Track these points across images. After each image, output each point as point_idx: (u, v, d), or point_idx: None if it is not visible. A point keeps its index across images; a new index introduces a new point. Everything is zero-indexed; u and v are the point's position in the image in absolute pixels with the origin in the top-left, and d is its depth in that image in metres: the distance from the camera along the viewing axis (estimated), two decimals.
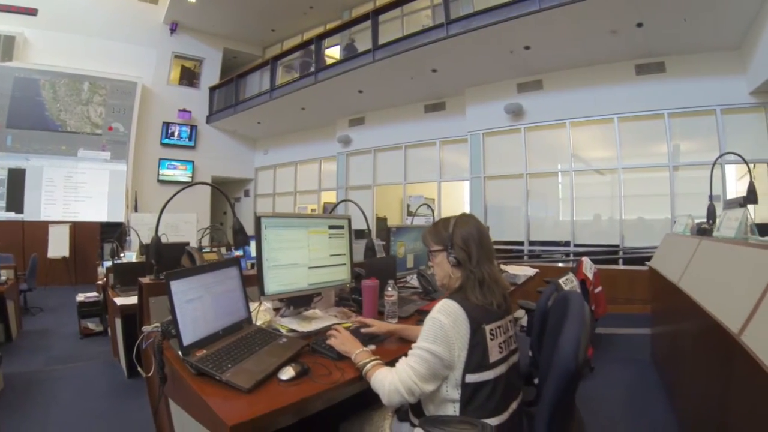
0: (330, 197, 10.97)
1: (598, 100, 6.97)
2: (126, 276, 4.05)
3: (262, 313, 1.81)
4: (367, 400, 1.41)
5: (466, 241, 1.36)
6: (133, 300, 3.30)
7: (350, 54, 8.33)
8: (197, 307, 1.43)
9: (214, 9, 10.50)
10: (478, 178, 8.02)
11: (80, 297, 5.43)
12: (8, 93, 9.87)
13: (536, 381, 1.45)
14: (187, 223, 7.58)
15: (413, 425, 1.31)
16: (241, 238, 2.33)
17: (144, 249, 4.51)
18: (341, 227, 2.14)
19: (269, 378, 1.22)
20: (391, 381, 1.21)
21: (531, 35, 6.36)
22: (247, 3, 10.11)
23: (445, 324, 1.22)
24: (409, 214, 8.42)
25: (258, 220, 1.71)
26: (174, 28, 11.26)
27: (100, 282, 5.60)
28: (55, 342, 5.12)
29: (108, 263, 5.73)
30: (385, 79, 8.14)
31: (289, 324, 1.75)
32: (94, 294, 5.48)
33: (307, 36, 9.96)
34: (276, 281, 1.76)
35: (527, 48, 6.71)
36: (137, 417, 2.92)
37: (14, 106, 9.90)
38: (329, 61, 8.87)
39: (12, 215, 9.75)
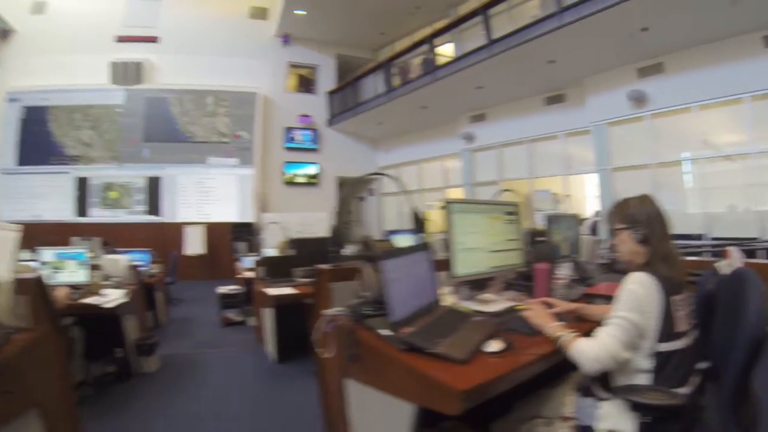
0: (456, 195, 11.29)
1: (725, 79, 6.58)
2: (276, 268, 4.40)
3: (446, 296, 1.94)
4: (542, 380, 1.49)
5: (650, 219, 1.44)
6: (284, 290, 3.82)
7: (464, 52, 8.68)
8: (401, 287, 1.51)
9: (322, 18, 11.23)
10: (605, 170, 8.07)
11: (222, 289, 6.00)
12: (143, 112, 11.27)
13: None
14: (319, 221, 8.28)
15: (598, 398, 1.37)
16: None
17: (292, 243, 4.95)
18: (514, 213, 2.28)
19: (476, 352, 1.31)
20: (594, 349, 1.28)
21: (648, 15, 6.09)
22: (353, 9, 10.71)
23: (640, 294, 1.32)
24: (537, 209, 8.75)
25: (447, 205, 1.89)
26: (286, 40, 12.17)
27: (239, 275, 6.25)
28: (199, 329, 5.71)
29: (248, 259, 6.44)
30: (503, 73, 8.38)
31: (471, 306, 1.85)
32: (236, 286, 6.10)
33: (417, 37, 10.38)
34: (463, 264, 1.88)
35: (645, 30, 6.47)
36: (286, 399, 3.25)
37: (149, 122, 11.29)
38: (444, 60, 9.24)
39: (152, 218, 11.18)
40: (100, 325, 3.29)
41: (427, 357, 1.25)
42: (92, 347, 3.22)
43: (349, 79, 12.25)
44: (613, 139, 8.05)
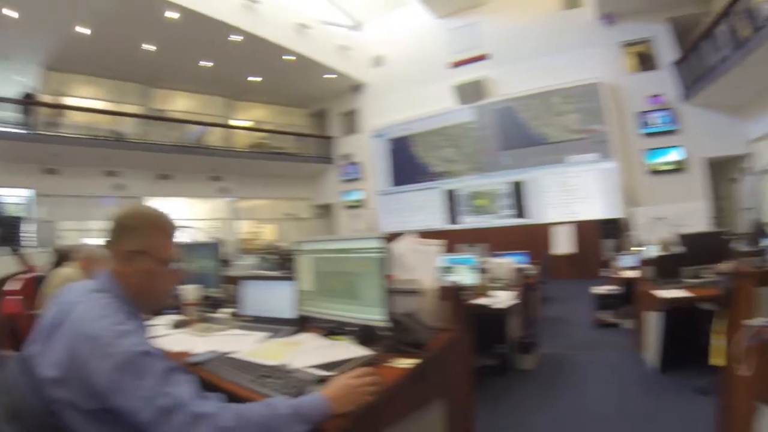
0: None
1: None
2: (664, 268, 3.98)
3: None
4: None
5: None
6: (676, 293, 3.45)
7: None
8: None
9: None
10: None
11: (598, 289, 5.84)
12: (495, 123, 12.20)
13: None
14: (693, 212, 7.95)
15: None
16: None
17: (681, 240, 4.31)
18: None
19: None
20: None
21: None
22: None
23: None
24: None
25: None
26: (610, 20, 11.65)
27: (616, 275, 6.00)
28: (571, 329, 5.65)
29: (627, 257, 6.25)
30: None
31: None
32: (613, 286, 5.87)
33: None
34: None
35: None
36: (668, 413, 2.94)
37: (503, 132, 12.11)
38: None
39: (520, 221, 11.82)
40: (486, 323, 3.41)
41: None
42: (477, 342, 3.28)
43: (690, 43, 10.72)
44: None
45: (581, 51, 11.74)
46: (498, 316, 3.57)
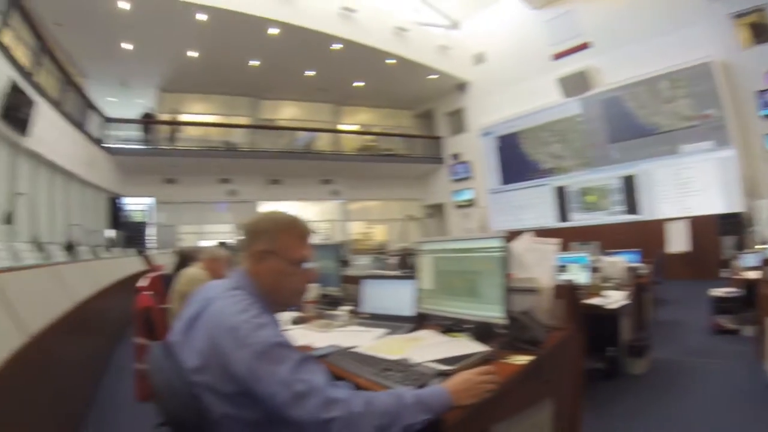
0: None
1: None
2: None
3: None
4: None
5: None
6: None
7: None
8: None
9: None
10: None
11: (716, 291, 5.53)
12: (602, 115, 12.67)
13: None
14: None
15: None
16: None
17: None
18: None
19: None
20: None
21: None
22: None
23: None
24: None
25: None
26: None
27: (737, 276, 5.72)
28: (686, 334, 5.43)
29: (751, 256, 5.97)
30: None
31: None
32: (733, 288, 5.51)
33: None
34: None
35: None
36: None
37: (610, 124, 12.44)
38: None
39: (631, 217, 11.94)
40: (597, 324, 3.35)
41: None
42: (588, 343, 3.27)
43: None
44: None
45: (687, 29, 11.19)
46: (610, 317, 3.57)
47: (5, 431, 1.68)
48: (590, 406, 2.84)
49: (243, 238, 1.38)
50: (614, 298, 3.62)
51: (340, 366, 1.54)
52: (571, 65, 12.87)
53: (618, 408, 3.23)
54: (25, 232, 7.01)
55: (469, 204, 16.55)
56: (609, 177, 12.28)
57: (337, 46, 13.10)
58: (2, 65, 6.95)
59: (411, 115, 19.03)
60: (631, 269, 4.65)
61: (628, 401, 3.34)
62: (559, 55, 13.23)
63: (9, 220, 3.82)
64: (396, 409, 1.09)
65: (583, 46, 12.84)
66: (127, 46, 12.21)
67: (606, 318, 3.54)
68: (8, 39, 7.45)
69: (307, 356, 1.17)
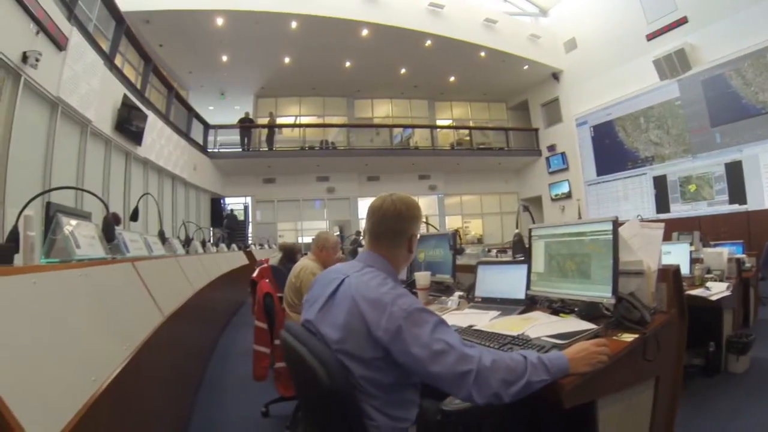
0: None
1: None
2: None
3: None
4: None
5: None
6: None
7: None
8: None
9: None
10: None
11: None
12: (701, 97, 11.89)
13: None
14: None
15: None
16: None
17: None
18: None
19: None
20: None
21: None
22: None
23: None
24: None
25: None
26: None
27: None
28: None
29: None
30: None
31: None
32: None
33: None
34: None
35: None
36: None
37: (711, 106, 11.67)
38: None
39: (735, 207, 11.17)
40: (697, 317, 3.27)
41: None
42: (687, 336, 3.20)
43: None
44: None
45: None
46: (711, 310, 3.45)
47: (140, 402, 1.91)
48: (687, 401, 2.86)
49: (371, 220, 1.51)
50: (716, 290, 3.44)
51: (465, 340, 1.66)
52: (668, 44, 12.12)
53: (717, 406, 3.11)
54: (150, 228, 7.94)
55: (566, 196, 16.23)
56: (712, 164, 11.49)
57: (427, 43, 13.47)
58: (116, 85, 8.26)
59: (505, 108, 18.92)
60: (736, 261, 4.49)
61: (727, 400, 3.22)
62: (654, 35, 12.61)
63: (135, 216, 4.68)
64: (521, 366, 1.22)
65: (680, 22, 12.04)
66: (223, 58, 13.40)
67: (707, 311, 3.41)
68: (119, 61, 8.96)
69: (443, 319, 1.31)
